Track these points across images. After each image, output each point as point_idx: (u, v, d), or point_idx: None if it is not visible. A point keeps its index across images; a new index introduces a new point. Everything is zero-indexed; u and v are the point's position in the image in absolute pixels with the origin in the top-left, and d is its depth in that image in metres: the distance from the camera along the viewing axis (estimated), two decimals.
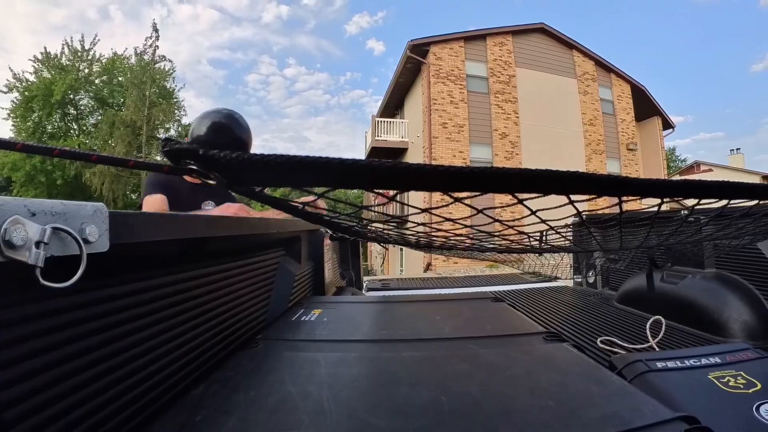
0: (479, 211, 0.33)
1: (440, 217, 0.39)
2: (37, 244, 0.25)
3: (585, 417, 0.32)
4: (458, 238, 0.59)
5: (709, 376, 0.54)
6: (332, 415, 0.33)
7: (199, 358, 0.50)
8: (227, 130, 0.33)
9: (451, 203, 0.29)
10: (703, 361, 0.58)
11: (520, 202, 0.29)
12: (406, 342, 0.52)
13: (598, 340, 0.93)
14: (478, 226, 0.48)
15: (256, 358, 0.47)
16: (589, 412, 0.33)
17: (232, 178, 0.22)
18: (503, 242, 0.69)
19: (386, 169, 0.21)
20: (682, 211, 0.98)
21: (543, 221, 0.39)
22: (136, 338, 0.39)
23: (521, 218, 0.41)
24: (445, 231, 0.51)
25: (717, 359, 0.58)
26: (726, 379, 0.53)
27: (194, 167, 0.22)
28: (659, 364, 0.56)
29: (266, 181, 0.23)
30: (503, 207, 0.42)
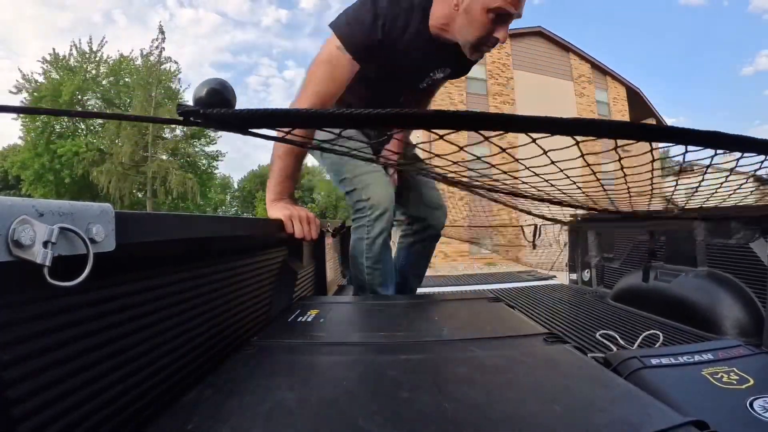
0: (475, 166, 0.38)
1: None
2: (45, 243, 0.25)
3: (593, 422, 0.31)
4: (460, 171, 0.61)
5: (703, 372, 0.55)
6: (330, 423, 0.31)
7: (200, 359, 0.50)
8: (218, 94, 0.33)
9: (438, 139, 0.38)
10: (697, 357, 0.58)
11: (522, 134, 0.36)
12: (405, 344, 0.51)
13: (594, 336, 0.94)
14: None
15: (251, 361, 0.45)
16: (597, 418, 0.32)
17: (222, 126, 0.33)
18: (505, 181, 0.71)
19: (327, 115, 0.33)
20: (675, 211, 1.00)
21: (542, 151, 0.42)
22: (140, 337, 0.40)
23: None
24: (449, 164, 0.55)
25: (710, 356, 0.59)
26: (719, 375, 0.54)
27: (198, 121, 0.31)
28: (654, 361, 0.57)
29: (246, 126, 0.34)
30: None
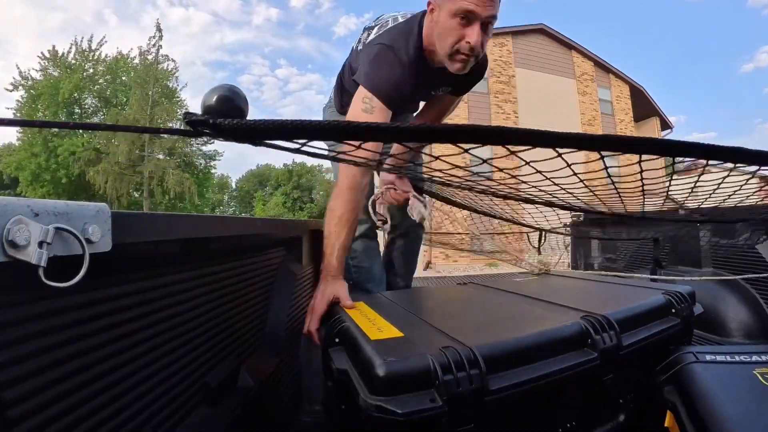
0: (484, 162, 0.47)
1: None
2: (40, 244, 0.25)
3: None
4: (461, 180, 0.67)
5: (754, 372, 0.54)
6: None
7: (200, 358, 0.50)
8: (229, 101, 0.32)
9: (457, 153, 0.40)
10: (755, 357, 0.58)
11: (512, 153, 0.38)
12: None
13: None
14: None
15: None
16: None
17: (234, 137, 0.32)
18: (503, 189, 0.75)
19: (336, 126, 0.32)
20: (680, 211, 0.99)
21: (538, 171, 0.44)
22: (137, 338, 0.39)
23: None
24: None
25: (766, 357, 0.59)
26: None
27: (207, 131, 0.29)
28: (708, 357, 0.57)
29: (259, 137, 0.33)
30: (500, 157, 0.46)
